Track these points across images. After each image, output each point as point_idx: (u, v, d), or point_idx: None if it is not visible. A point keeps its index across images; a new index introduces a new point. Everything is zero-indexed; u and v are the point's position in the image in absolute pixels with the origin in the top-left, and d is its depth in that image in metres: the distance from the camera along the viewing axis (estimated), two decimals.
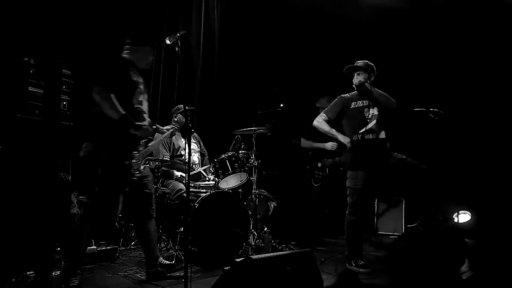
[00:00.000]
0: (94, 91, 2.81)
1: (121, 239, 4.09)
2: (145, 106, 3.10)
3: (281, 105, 5.58)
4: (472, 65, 5.16)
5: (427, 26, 5.33)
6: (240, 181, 4.28)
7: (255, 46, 5.86)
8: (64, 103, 3.39)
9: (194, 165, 4.57)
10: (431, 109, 4.11)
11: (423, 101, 4.26)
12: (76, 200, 3.85)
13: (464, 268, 3.54)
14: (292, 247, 4.30)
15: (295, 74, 6.02)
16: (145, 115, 3.09)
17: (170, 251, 3.92)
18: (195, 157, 4.63)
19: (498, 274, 3.22)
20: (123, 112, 2.83)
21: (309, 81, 5.95)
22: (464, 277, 3.38)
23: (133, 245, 4.29)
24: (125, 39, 3.11)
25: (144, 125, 2.95)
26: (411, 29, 5.41)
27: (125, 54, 3.09)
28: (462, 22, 5.13)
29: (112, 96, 2.82)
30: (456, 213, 4.35)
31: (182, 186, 4.23)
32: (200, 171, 4.52)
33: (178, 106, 4.59)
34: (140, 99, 3.02)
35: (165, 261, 3.32)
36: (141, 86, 3.04)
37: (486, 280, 3.22)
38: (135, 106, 2.99)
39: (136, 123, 2.91)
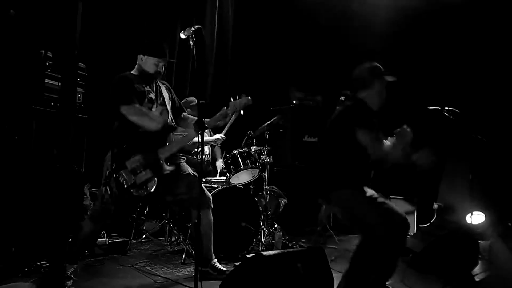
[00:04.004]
0: (127, 112, 2.79)
1: (132, 232, 4.13)
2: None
3: (294, 101, 5.55)
4: (488, 65, 5.10)
5: (440, 23, 5.28)
6: (252, 177, 4.29)
7: (269, 41, 5.83)
8: (79, 95, 3.45)
9: (205, 155, 4.49)
10: (446, 108, 3.97)
11: (439, 100, 4.14)
12: (89, 192, 3.91)
13: (477, 269, 3.51)
14: (302, 244, 4.30)
15: (309, 70, 5.98)
16: None
17: (181, 245, 3.95)
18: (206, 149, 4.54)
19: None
20: (163, 119, 2.87)
21: (323, 78, 5.89)
22: (477, 279, 3.35)
23: (144, 238, 4.33)
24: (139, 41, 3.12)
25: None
26: (424, 26, 5.36)
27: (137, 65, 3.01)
28: (477, 20, 5.08)
29: (144, 108, 2.84)
30: (469, 214, 4.29)
31: None
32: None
33: (188, 99, 4.53)
34: (150, 107, 2.94)
35: (219, 265, 3.19)
36: (151, 95, 2.96)
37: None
38: None
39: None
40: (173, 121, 3.09)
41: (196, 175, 3.08)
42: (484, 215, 4.50)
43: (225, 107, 3.03)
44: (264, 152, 4.21)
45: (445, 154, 5.05)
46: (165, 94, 3.08)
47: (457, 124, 3.95)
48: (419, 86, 5.33)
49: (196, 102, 4.42)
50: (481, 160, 4.50)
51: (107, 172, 2.80)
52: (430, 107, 4.04)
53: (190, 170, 3.14)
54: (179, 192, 3.05)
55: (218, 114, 3.06)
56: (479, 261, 3.61)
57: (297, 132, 5.43)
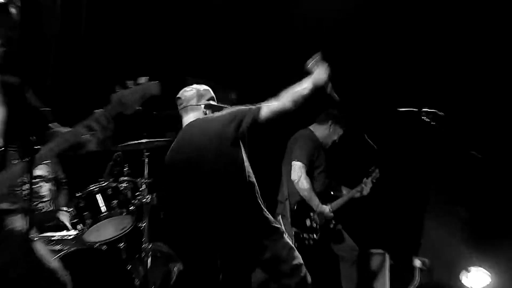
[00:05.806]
0: None
1: None
2: None
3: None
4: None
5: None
6: (122, 229, 4.14)
7: (148, 7, 5.67)
8: None
9: (43, 202, 4.57)
10: (426, 110, 4.20)
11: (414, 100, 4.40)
12: None
13: None
14: None
15: (213, 53, 5.99)
16: None
17: None
18: (45, 188, 4.61)
19: None
20: None
21: (238, 65, 6.08)
22: None
23: None
24: None
25: None
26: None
27: None
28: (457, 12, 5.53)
29: None
30: (466, 272, 4.45)
31: None
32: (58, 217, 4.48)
33: None
34: None
35: None
36: None
37: None
38: None
39: None
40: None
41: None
42: (489, 274, 4.61)
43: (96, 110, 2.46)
44: (142, 186, 4.11)
45: (426, 180, 5.23)
46: None
47: (441, 133, 4.18)
48: (389, 82, 5.75)
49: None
50: (478, 186, 4.67)
51: None
52: (402, 109, 4.31)
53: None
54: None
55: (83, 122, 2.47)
56: None
57: None
